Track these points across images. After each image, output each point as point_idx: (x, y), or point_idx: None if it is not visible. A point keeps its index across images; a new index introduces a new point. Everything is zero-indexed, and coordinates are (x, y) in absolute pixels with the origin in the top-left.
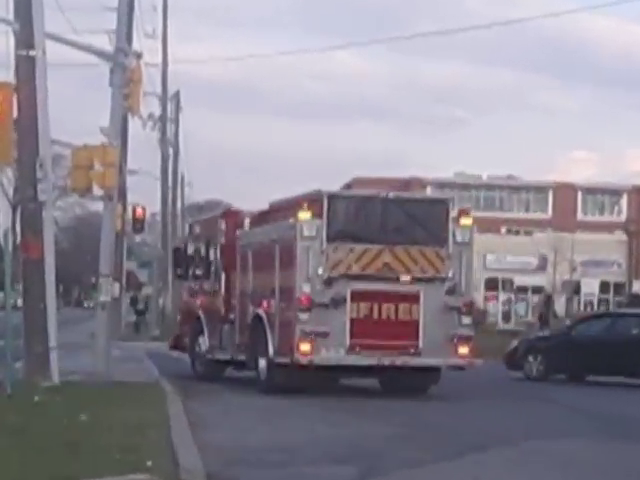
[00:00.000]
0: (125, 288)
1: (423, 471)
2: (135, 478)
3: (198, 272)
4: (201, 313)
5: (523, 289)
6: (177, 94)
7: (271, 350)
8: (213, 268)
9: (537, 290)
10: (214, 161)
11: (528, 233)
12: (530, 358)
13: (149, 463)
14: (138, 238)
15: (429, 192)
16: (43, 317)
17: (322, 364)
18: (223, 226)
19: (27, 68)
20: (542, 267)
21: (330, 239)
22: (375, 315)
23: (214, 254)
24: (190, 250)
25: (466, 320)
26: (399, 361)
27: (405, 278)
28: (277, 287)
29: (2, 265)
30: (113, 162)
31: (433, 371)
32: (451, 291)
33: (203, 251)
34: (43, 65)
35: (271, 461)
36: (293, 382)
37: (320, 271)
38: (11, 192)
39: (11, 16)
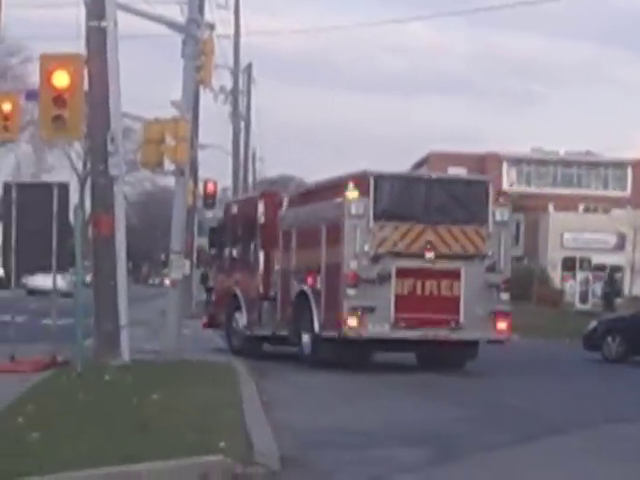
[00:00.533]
0: (196, 265)
1: (499, 454)
2: (208, 459)
3: (234, 251)
4: (238, 291)
5: (601, 268)
6: (249, 67)
7: (317, 325)
8: (252, 247)
9: (616, 269)
10: (286, 135)
11: (606, 211)
12: (609, 339)
13: (222, 444)
14: (209, 214)
15: (505, 168)
16: (113, 295)
17: (369, 338)
18: (262, 207)
19: (98, 40)
20: (620, 246)
21: (376, 217)
22: (418, 291)
23: (252, 234)
24: (226, 230)
25: (504, 296)
26: (442, 335)
27: (447, 255)
28: (323, 264)
29: (72, 241)
30: (185, 136)
31: (471, 346)
32: (491, 268)
33: (240, 231)
34: (114, 36)
35: (346, 443)
36: (337, 356)
37: (367, 248)
38: (80, 167)
39: None
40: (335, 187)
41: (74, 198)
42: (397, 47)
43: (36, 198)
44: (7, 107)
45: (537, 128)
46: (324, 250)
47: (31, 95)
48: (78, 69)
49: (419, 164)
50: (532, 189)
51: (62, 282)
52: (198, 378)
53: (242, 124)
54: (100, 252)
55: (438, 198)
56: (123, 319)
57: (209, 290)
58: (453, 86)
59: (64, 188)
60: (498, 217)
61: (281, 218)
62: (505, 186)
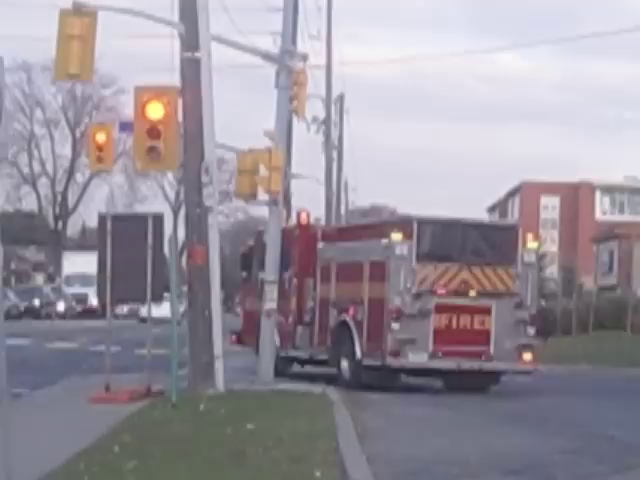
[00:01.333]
0: None
1: None
2: None
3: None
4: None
5: None
6: (341, 97)
7: (359, 352)
8: (286, 275)
9: None
10: (379, 165)
11: None
12: None
13: (317, 474)
14: None
15: (598, 197)
16: (208, 325)
17: (410, 367)
18: (297, 237)
19: (192, 71)
20: None
21: (419, 258)
22: (454, 325)
23: (287, 262)
24: (259, 256)
25: (531, 331)
26: (476, 366)
27: (480, 293)
28: (366, 298)
29: (166, 272)
30: (278, 166)
31: (494, 374)
32: (519, 305)
33: None
34: (208, 67)
35: (442, 473)
36: (376, 381)
37: (409, 286)
38: (172, 196)
39: (176, 18)
40: (379, 228)
41: (167, 228)
42: (487, 76)
43: (131, 229)
44: (101, 138)
45: (630, 156)
46: (367, 285)
47: (125, 126)
48: (172, 100)
49: (511, 193)
50: (625, 217)
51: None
52: (293, 407)
53: (335, 154)
54: (194, 282)
55: (473, 241)
56: (218, 349)
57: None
58: (544, 115)
59: (159, 219)
60: (526, 258)
61: (320, 250)
62: (598, 215)
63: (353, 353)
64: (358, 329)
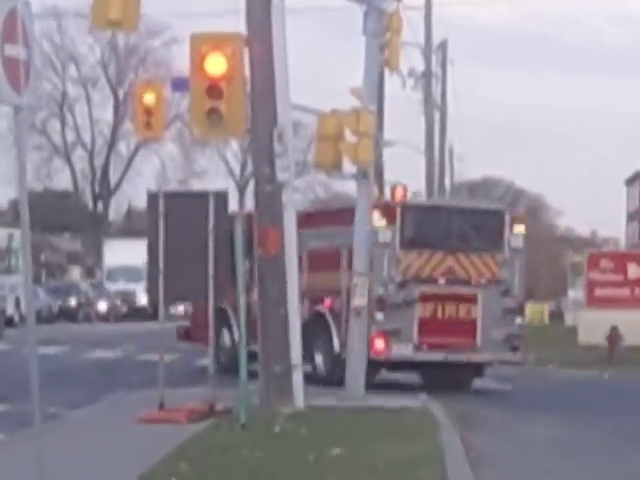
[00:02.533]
0: None
1: None
2: None
3: None
4: (228, 307)
5: None
6: (444, 44)
7: (337, 346)
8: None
9: None
10: (491, 128)
11: None
12: None
13: None
14: None
15: None
16: (283, 326)
17: (395, 360)
18: None
19: (261, 15)
20: None
21: (402, 245)
22: (439, 315)
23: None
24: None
25: (519, 320)
26: (464, 358)
27: (466, 281)
28: (344, 288)
29: (232, 262)
30: (368, 131)
31: (480, 367)
32: (505, 293)
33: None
34: (281, 9)
35: None
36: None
37: (393, 274)
38: (237, 170)
39: None
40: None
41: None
42: (621, 18)
43: (189, 210)
44: (149, 99)
45: None
46: (346, 274)
47: (178, 84)
48: (237, 52)
49: None
50: None
51: None
52: (389, 427)
53: (436, 115)
54: (267, 275)
55: (458, 227)
56: (296, 357)
57: None
58: None
59: (222, 197)
60: (513, 244)
61: None
62: None
63: (331, 347)
64: (336, 321)
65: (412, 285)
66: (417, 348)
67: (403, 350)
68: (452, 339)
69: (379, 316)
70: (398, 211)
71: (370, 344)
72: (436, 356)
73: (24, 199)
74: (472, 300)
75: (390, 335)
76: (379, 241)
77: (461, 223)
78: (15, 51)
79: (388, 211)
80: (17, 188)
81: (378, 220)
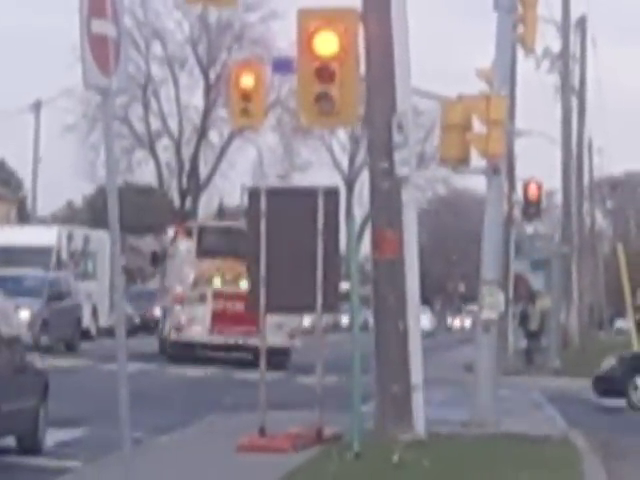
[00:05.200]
0: (512, 300)
1: None
2: None
3: None
4: None
5: None
6: (583, 21)
7: (164, 331)
8: None
9: None
10: (637, 118)
11: None
12: (638, 381)
13: None
14: (530, 228)
15: None
16: (402, 342)
17: (190, 341)
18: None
19: None
20: None
21: (198, 254)
22: (228, 308)
23: None
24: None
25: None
26: (241, 342)
27: (244, 282)
28: (167, 287)
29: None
30: (500, 119)
31: (282, 354)
32: None
33: None
34: None
35: None
36: (176, 354)
37: (192, 275)
38: (345, 163)
39: None
40: (177, 230)
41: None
42: None
43: (294, 209)
44: (248, 82)
45: None
46: (167, 276)
47: (281, 65)
48: (351, 29)
49: None
50: None
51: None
52: (523, 458)
53: (574, 101)
54: (383, 283)
55: (238, 241)
56: (417, 376)
57: (531, 334)
58: None
59: (333, 195)
60: None
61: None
62: None
63: (162, 331)
64: (164, 313)
65: (205, 285)
66: (209, 332)
67: (198, 334)
68: (239, 327)
69: (177, 308)
70: (196, 230)
71: (173, 328)
72: (224, 339)
73: (113, 197)
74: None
75: (187, 322)
76: (180, 250)
77: (239, 238)
78: (104, 28)
79: (189, 230)
80: (106, 183)
81: (182, 236)
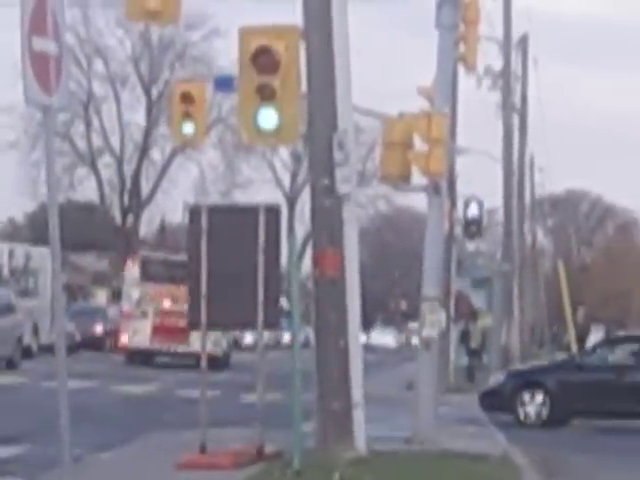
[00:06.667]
0: (453, 318)
1: None
2: None
3: None
4: None
5: None
6: (525, 39)
7: (123, 340)
8: None
9: None
10: (579, 136)
11: None
12: (526, 397)
13: None
14: (471, 246)
15: None
16: (343, 360)
17: (137, 347)
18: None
19: (321, 3)
20: None
21: (142, 279)
22: (167, 323)
23: None
24: None
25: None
26: (177, 349)
27: (179, 303)
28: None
29: (284, 286)
30: (441, 137)
31: (219, 359)
32: None
33: None
34: None
35: None
36: (129, 360)
37: (136, 296)
38: (287, 181)
39: None
40: (129, 259)
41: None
42: None
43: (235, 226)
44: (189, 100)
45: None
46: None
47: (223, 83)
48: (292, 47)
49: None
50: None
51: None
52: (463, 476)
53: (516, 119)
54: (324, 300)
55: (176, 270)
56: (357, 394)
57: (472, 352)
58: None
59: (274, 213)
60: None
61: None
62: None
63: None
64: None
65: (148, 303)
66: (151, 342)
67: (142, 342)
68: (174, 338)
69: (125, 322)
70: (140, 261)
71: (116, 339)
72: (162, 347)
73: (54, 214)
74: (183, 315)
75: (134, 333)
76: (128, 276)
77: (179, 269)
78: (45, 45)
79: (136, 260)
80: (47, 200)
81: (130, 264)
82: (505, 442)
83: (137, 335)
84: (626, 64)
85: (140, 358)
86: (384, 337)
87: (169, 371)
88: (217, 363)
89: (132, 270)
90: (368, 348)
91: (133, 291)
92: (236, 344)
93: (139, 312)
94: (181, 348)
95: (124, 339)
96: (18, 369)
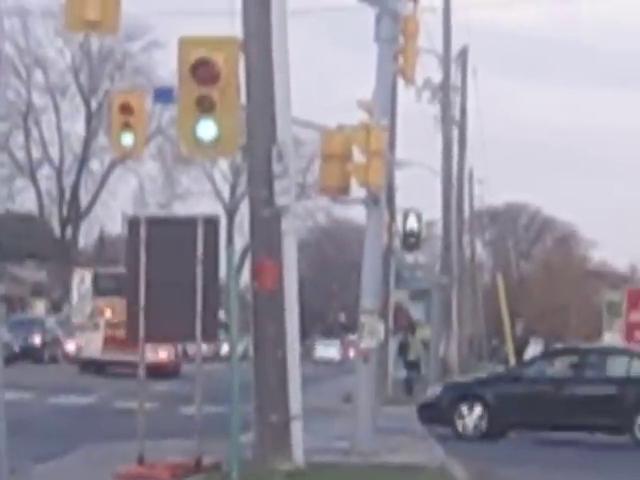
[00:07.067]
0: (392, 330)
1: None
2: None
3: None
4: None
5: None
6: (464, 52)
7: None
8: None
9: None
10: (519, 148)
11: None
12: (464, 409)
13: None
14: (410, 258)
15: None
16: (281, 372)
17: (89, 357)
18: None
19: (260, 15)
20: None
21: (95, 293)
22: (117, 334)
23: None
24: None
25: None
26: (123, 358)
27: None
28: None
29: (223, 298)
30: (380, 150)
31: (166, 367)
32: None
33: None
34: (282, 10)
35: None
36: (82, 370)
37: (88, 309)
38: (226, 192)
39: None
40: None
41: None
42: None
43: (174, 238)
44: (129, 111)
45: None
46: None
47: (162, 95)
48: (232, 59)
49: None
50: None
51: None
52: None
53: (455, 132)
54: (263, 312)
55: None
56: (296, 406)
57: (411, 365)
58: None
59: (213, 224)
60: None
61: None
62: None
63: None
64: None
65: (99, 317)
66: (102, 352)
67: (94, 352)
68: (123, 348)
69: (78, 332)
70: (94, 276)
71: (76, 349)
72: (112, 357)
73: None
74: None
75: (87, 343)
76: (82, 290)
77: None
78: None
79: (86, 274)
80: None
81: (86, 279)
82: (443, 454)
83: (89, 346)
84: (563, 78)
85: (93, 368)
86: (328, 350)
87: (115, 381)
88: (166, 372)
89: (84, 284)
90: (313, 361)
91: (85, 305)
92: (185, 354)
93: (91, 324)
94: (131, 358)
95: (74, 350)
96: None
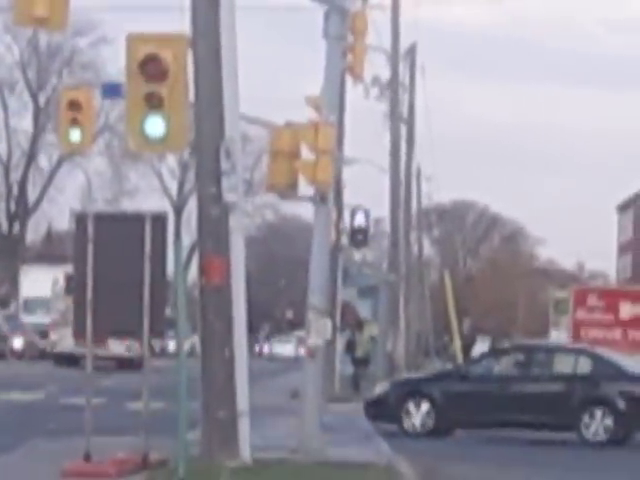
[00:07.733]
0: (339, 327)
1: None
2: None
3: None
4: None
5: None
6: (413, 49)
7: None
8: None
9: None
10: (466, 145)
11: None
12: (411, 406)
13: None
14: (358, 255)
15: None
16: (229, 369)
17: (61, 351)
18: None
19: (208, 12)
20: None
21: (68, 292)
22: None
23: None
24: None
25: None
26: (101, 352)
27: None
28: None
29: (170, 295)
30: (328, 147)
31: (132, 361)
32: None
33: None
34: (230, 7)
35: None
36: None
37: (62, 307)
38: (174, 189)
39: None
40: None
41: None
42: (620, 25)
43: (121, 234)
44: (76, 107)
45: None
46: None
47: (110, 90)
48: (180, 55)
49: None
50: None
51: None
52: None
53: (403, 129)
54: (210, 309)
55: None
56: (243, 403)
57: (358, 362)
58: None
59: (161, 220)
60: None
61: None
62: None
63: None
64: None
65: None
66: (75, 345)
67: (67, 346)
68: (96, 342)
69: (53, 328)
70: (66, 275)
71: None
72: (84, 351)
73: None
74: None
75: (62, 338)
76: (56, 289)
77: None
78: None
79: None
80: None
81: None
82: (390, 451)
83: (62, 341)
84: (511, 75)
85: (66, 362)
86: (284, 346)
87: (53, 378)
88: (132, 365)
89: (59, 284)
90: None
91: (59, 303)
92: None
93: (64, 321)
94: (101, 352)
95: (52, 344)
96: None
